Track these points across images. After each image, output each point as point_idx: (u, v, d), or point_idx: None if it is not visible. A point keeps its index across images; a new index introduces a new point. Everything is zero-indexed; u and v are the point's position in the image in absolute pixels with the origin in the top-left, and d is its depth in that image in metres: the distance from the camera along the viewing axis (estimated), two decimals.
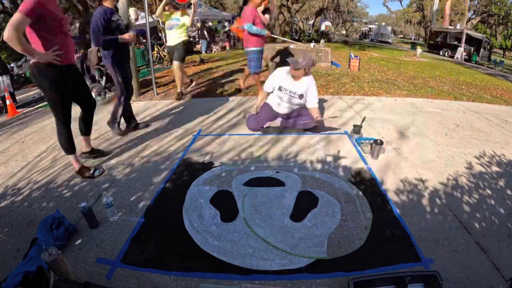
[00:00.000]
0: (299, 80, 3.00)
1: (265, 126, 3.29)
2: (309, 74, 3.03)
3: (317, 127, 3.22)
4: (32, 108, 5.04)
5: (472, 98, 5.07)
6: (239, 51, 11.06)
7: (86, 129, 2.68)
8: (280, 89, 3.09)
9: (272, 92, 3.18)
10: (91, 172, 2.48)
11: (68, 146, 2.40)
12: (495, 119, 3.91)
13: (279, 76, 3.07)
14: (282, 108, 3.19)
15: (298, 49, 7.63)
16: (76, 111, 2.45)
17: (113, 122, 3.30)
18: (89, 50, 5.93)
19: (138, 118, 4.05)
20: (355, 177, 2.39)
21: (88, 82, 5.84)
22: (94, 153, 2.82)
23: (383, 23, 34.39)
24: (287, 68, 3.07)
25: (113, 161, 2.80)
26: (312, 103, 3.08)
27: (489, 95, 5.56)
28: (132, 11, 7.77)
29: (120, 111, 3.26)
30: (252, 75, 4.51)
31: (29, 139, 3.71)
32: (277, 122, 3.29)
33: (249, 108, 4.11)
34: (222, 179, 2.40)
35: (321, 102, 4.37)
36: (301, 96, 3.03)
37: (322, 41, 9.40)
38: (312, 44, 8.20)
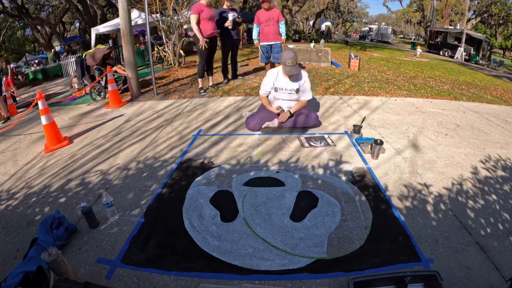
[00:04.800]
0: (293, 76, 3.02)
1: (263, 126, 3.29)
2: (301, 68, 3.09)
3: (315, 124, 3.29)
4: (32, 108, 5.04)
5: (472, 98, 5.06)
6: (243, 51, 11.05)
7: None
8: (276, 90, 3.11)
9: (269, 94, 3.22)
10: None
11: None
12: (495, 119, 3.91)
13: (272, 78, 3.09)
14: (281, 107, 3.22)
15: (298, 49, 7.64)
16: None
17: None
18: (96, 47, 5.94)
19: (138, 118, 4.06)
20: (355, 177, 2.39)
21: (88, 82, 5.84)
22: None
23: (383, 23, 34.37)
24: (277, 69, 3.09)
25: (113, 160, 2.80)
26: (305, 96, 3.14)
27: (489, 95, 5.56)
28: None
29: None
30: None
31: (29, 139, 3.71)
32: (275, 122, 3.29)
33: (245, 108, 4.11)
34: (222, 179, 2.40)
35: (322, 102, 4.38)
36: (297, 91, 3.08)
37: (322, 41, 9.39)
38: (312, 44, 8.20)
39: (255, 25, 4.98)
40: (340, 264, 1.57)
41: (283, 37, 4.93)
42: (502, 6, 22.67)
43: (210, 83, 5.28)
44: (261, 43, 4.99)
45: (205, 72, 5.02)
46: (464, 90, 5.72)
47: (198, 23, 4.37)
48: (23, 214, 2.09)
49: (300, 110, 3.22)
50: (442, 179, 2.35)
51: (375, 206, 2.03)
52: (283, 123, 3.21)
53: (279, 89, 3.10)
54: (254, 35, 5.05)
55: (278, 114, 3.25)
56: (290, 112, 3.17)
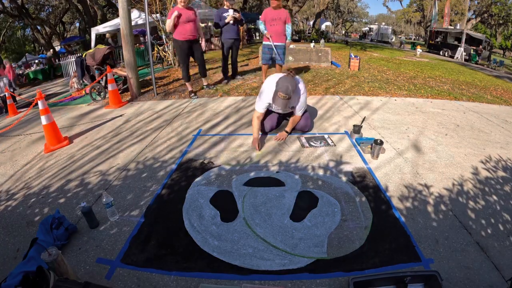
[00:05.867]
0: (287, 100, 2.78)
1: (268, 130, 3.20)
2: (299, 82, 2.87)
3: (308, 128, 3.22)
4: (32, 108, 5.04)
5: (472, 98, 5.06)
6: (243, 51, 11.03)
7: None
8: (271, 106, 2.96)
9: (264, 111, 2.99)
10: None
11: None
12: (495, 119, 3.91)
13: (270, 95, 2.82)
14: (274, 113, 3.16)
15: (298, 49, 7.64)
16: None
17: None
18: (96, 47, 5.94)
19: (138, 118, 4.06)
20: (355, 177, 2.39)
21: (87, 82, 5.85)
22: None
23: (383, 23, 34.36)
24: (275, 80, 2.80)
25: (113, 160, 2.80)
26: (300, 112, 2.99)
27: (489, 95, 5.56)
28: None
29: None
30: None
31: (29, 139, 3.71)
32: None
33: (245, 109, 4.12)
34: (222, 179, 2.40)
35: (322, 102, 4.38)
36: (293, 108, 2.95)
37: (322, 41, 9.39)
38: (312, 44, 8.20)
39: (259, 21, 4.85)
40: (340, 264, 1.57)
41: (288, 39, 4.80)
42: (502, 6, 22.67)
43: (205, 83, 5.25)
44: (264, 43, 4.86)
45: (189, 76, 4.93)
46: (464, 90, 5.71)
47: (175, 26, 4.31)
48: (23, 214, 2.10)
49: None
50: (442, 179, 2.35)
51: (375, 206, 2.03)
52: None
53: (275, 108, 2.99)
54: (262, 28, 4.79)
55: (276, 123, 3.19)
56: (287, 131, 3.07)
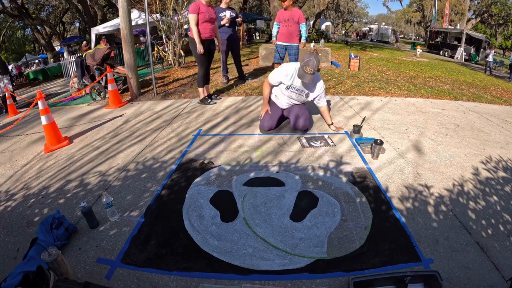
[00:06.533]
0: (309, 82, 2.83)
1: (266, 129, 3.22)
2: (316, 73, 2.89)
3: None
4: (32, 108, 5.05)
5: (472, 98, 5.06)
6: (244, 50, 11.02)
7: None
8: (288, 88, 2.98)
9: (276, 85, 3.07)
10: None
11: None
12: (495, 119, 3.91)
13: (289, 75, 2.88)
14: (281, 103, 3.13)
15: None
16: None
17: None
18: (96, 47, 5.95)
19: (138, 118, 4.06)
20: (355, 177, 2.39)
21: (88, 82, 5.85)
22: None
23: (383, 23, 34.37)
24: (295, 65, 2.88)
25: (113, 160, 2.80)
26: (324, 102, 3.11)
27: (489, 95, 5.56)
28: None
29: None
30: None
31: (28, 139, 3.71)
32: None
33: (245, 110, 4.11)
34: (222, 179, 2.40)
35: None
36: (307, 95, 2.99)
37: (322, 41, 9.39)
38: (312, 44, 8.20)
39: (275, 22, 4.86)
40: (340, 264, 1.57)
41: (302, 39, 4.76)
42: (502, 6, 22.67)
43: (206, 93, 4.47)
44: (277, 42, 4.86)
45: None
46: (464, 90, 5.71)
47: (197, 24, 3.88)
48: (23, 214, 2.10)
49: (299, 111, 3.17)
50: (442, 179, 2.35)
51: (375, 206, 2.03)
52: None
53: (291, 87, 2.97)
54: (273, 32, 4.93)
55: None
56: (331, 123, 3.25)
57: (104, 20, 14.90)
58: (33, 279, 1.28)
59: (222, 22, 4.83)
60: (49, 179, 2.57)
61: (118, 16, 6.88)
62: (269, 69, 7.05)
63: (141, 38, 12.02)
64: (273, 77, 3.00)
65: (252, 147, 2.95)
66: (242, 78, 5.66)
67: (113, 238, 1.79)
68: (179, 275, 1.53)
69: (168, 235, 1.81)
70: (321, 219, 1.90)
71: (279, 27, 4.78)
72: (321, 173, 2.45)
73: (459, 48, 16.53)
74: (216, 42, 4.46)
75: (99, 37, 11.06)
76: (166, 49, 8.92)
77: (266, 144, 3.01)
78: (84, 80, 5.96)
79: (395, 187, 2.24)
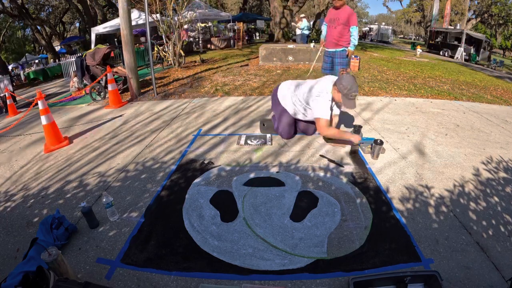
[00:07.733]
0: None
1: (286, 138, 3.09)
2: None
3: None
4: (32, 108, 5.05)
5: (472, 98, 5.06)
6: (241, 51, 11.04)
7: None
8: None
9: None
10: None
11: None
12: (495, 119, 3.90)
13: (329, 102, 2.69)
14: (287, 103, 2.95)
15: (298, 49, 7.64)
16: None
17: None
18: (96, 47, 5.95)
19: (138, 119, 4.06)
20: (355, 177, 2.39)
21: (88, 82, 5.85)
22: None
23: (383, 23, 34.36)
24: (329, 87, 2.67)
25: (113, 161, 2.80)
26: (337, 111, 2.98)
27: (489, 95, 5.56)
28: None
29: None
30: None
31: (28, 139, 3.71)
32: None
33: (244, 110, 4.11)
34: (222, 179, 2.40)
35: None
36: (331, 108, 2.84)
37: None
38: (312, 44, 8.19)
39: (324, 22, 4.21)
40: (340, 264, 1.57)
41: (350, 47, 3.91)
42: (502, 6, 22.67)
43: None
44: (325, 49, 4.23)
45: None
46: (464, 90, 5.71)
47: None
48: (23, 214, 2.10)
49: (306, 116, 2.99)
50: (442, 179, 2.35)
51: (375, 206, 2.03)
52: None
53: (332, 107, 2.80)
54: (322, 34, 4.30)
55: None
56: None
57: (104, 20, 14.91)
58: (33, 279, 1.28)
59: None
60: (49, 179, 2.57)
61: (118, 16, 6.88)
62: (269, 69, 7.04)
63: (141, 38, 12.02)
64: (325, 113, 2.67)
65: (252, 147, 2.95)
66: None
67: (113, 238, 1.79)
68: (179, 275, 1.53)
69: (168, 235, 1.81)
70: (321, 219, 1.90)
71: (326, 28, 4.10)
72: (321, 173, 2.45)
73: (459, 48, 16.51)
74: None
75: (99, 37, 11.06)
76: (166, 49, 8.92)
77: (266, 146, 3.01)
78: (84, 80, 5.96)
79: (395, 187, 2.24)
